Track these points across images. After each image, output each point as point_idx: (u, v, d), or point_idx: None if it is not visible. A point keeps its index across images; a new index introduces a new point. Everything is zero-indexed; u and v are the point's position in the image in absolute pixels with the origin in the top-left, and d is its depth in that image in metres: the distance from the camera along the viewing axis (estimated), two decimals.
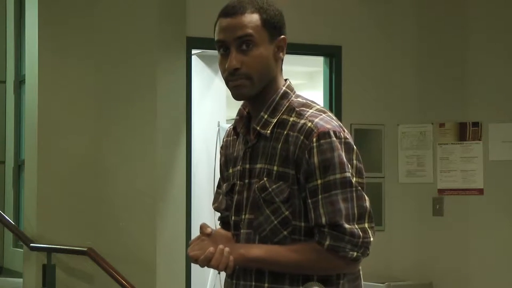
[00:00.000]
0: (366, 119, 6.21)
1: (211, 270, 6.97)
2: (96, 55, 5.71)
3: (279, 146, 2.19)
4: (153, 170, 5.56)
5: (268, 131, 2.21)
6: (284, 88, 2.26)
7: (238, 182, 2.27)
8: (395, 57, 6.25)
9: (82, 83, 5.74)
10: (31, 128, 5.91)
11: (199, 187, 6.94)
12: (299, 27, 5.85)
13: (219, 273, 6.60)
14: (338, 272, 2.18)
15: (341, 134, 2.16)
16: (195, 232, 6.03)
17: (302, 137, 2.15)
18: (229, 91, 2.23)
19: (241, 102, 2.33)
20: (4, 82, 7.64)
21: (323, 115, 2.19)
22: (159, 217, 5.54)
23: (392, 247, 6.04)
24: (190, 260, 2.19)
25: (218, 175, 2.50)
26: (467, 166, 6.03)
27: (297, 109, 2.21)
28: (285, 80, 2.29)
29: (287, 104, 2.23)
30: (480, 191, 5.99)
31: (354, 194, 2.14)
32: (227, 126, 2.41)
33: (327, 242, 2.12)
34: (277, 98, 2.24)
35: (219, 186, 2.44)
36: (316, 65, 7.48)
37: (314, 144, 2.13)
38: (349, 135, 2.20)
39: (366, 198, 2.16)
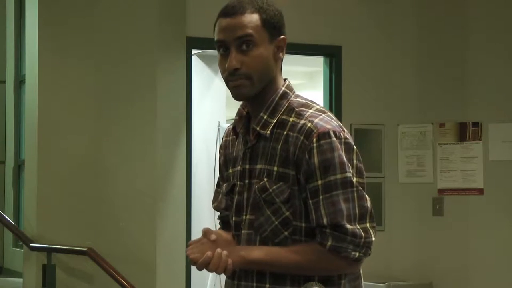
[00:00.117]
0: (366, 119, 6.21)
1: None
2: (96, 55, 5.71)
3: (279, 147, 2.19)
4: (153, 170, 5.56)
5: (268, 132, 2.21)
6: (283, 88, 2.26)
7: (238, 182, 2.27)
8: (395, 57, 6.25)
9: (82, 83, 5.74)
10: (31, 128, 5.91)
11: (199, 187, 6.94)
12: (299, 27, 5.85)
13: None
14: (340, 273, 2.18)
15: (341, 134, 2.16)
16: (195, 232, 6.03)
17: (302, 138, 2.15)
18: (229, 91, 2.23)
19: (240, 102, 2.33)
20: (4, 82, 7.64)
21: (323, 115, 2.18)
22: (159, 217, 5.54)
23: (392, 247, 6.04)
24: (189, 261, 2.19)
25: (218, 175, 2.49)
26: (467, 166, 6.03)
27: (296, 109, 2.21)
28: (284, 80, 2.29)
29: (286, 104, 2.23)
30: (480, 191, 5.99)
31: (355, 194, 2.14)
32: (227, 126, 2.41)
33: (329, 243, 2.12)
34: (277, 98, 2.23)
35: (218, 186, 2.44)
36: (316, 65, 7.48)
37: (314, 145, 2.13)
38: (349, 135, 2.20)
39: (367, 198, 2.16)
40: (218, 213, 2.47)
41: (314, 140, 2.13)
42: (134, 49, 5.66)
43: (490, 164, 5.96)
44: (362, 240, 2.12)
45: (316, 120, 2.16)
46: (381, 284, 5.77)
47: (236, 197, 2.28)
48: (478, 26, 6.09)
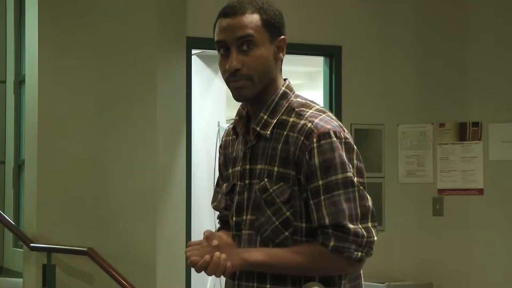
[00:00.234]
0: (366, 119, 6.21)
1: None
2: (96, 55, 5.70)
3: (279, 147, 2.18)
4: (153, 170, 5.56)
5: (268, 132, 2.21)
6: (283, 88, 2.25)
7: (239, 182, 2.27)
8: (395, 57, 6.25)
9: (82, 83, 5.74)
10: (31, 128, 5.90)
11: (199, 187, 6.94)
12: (299, 27, 5.85)
13: None
14: (342, 273, 2.18)
15: (341, 134, 2.16)
16: (195, 232, 6.04)
17: (302, 138, 2.14)
18: (229, 91, 2.23)
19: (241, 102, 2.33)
20: (4, 82, 7.63)
21: (323, 115, 2.18)
22: (159, 217, 5.53)
23: (392, 247, 6.04)
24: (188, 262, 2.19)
25: (218, 175, 2.49)
26: (467, 166, 6.03)
27: (296, 109, 2.20)
28: (284, 80, 2.29)
29: (286, 105, 2.23)
30: (480, 191, 5.99)
31: (357, 194, 2.13)
32: (227, 126, 2.41)
33: (332, 243, 2.12)
34: (277, 99, 2.23)
35: (218, 185, 2.43)
36: (316, 65, 7.48)
37: (315, 145, 2.13)
38: (349, 135, 2.20)
39: (368, 197, 2.16)
40: (218, 213, 2.47)
41: (315, 140, 2.13)
42: (134, 49, 5.66)
43: (490, 164, 5.96)
44: (365, 239, 2.12)
45: (316, 120, 2.16)
46: (381, 284, 5.77)
47: (236, 197, 2.28)
48: (478, 26, 6.08)
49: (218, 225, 2.48)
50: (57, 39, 5.75)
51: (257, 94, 2.21)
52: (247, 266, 2.17)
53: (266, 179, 2.19)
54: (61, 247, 5.54)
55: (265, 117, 2.22)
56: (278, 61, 2.25)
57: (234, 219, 2.28)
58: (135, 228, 5.57)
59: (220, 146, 2.43)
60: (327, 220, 2.12)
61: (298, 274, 2.16)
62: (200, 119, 7.13)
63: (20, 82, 7.30)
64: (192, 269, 5.84)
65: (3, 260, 7.53)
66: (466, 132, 6.05)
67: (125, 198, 5.62)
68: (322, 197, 2.12)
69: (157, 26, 5.64)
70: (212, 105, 7.45)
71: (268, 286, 2.19)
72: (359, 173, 2.16)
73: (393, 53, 6.25)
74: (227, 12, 2.19)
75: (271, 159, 2.19)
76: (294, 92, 2.27)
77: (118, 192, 5.64)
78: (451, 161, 6.08)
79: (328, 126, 2.15)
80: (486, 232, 5.95)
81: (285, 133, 2.19)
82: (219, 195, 2.40)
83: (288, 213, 2.17)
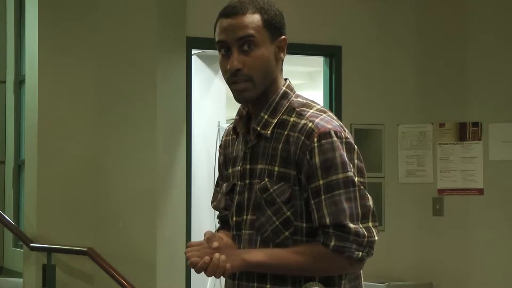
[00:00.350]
0: (366, 119, 6.21)
1: None
2: (96, 55, 5.70)
3: (280, 147, 2.18)
4: (153, 170, 5.56)
5: (269, 132, 2.21)
6: (284, 88, 2.25)
7: (239, 182, 2.27)
8: (395, 57, 6.25)
9: (82, 83, 5.74)
10: (31, 128, 5.90)
11: (199, 187, 6.94)
12: (299, 27, 5.85)
13: None
14: (343, 273, 2.18)
15: (342, 134, 2.16)
16: (195, 232, 6.04)
17: (303, 138, 2.14)
18: (229, 91, 2.23)
19: None
20: (4, 82, 7.63)
21: (324, 115, 2.18)
22: (159, 217, 5.53)
23: (392, 247, 6.04)
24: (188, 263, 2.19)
25: (217, 175, 2.49)
26: (467, 166, 6.03)
27: (297, 109, 2.20)
28: (285, 80, 2.29)
29: (287, 104, 2.23)
30: (480, 191, 5.99)
31: (357, 194, 2.13)
32: (227, 126, 2.41)
33: (332, 243, 2.11)
34: (277, 98, 2.23)
35: (217, 185, 2.43)
36: (316, 65, 7.48)
37: (315, 145, 2.13)
38: (350, 134, 2.20)
39: (369, 197, 2.16)
40: (217, 213, 2.47)
41: (315, 140, 2.13)
42: (134, 49, 5.66)
43: (490, 164, 5.96)
44: (365, 239, 2.12)
45: (317, 120, 2.16)
46: (381, 284, 5.77)
47: (236, 197, 2.27)
48: (478, 26, 6.08)
49: (217, 225, 2.48)
50: (57, 39, 5.75)
51: (258, 95, 2.21)
52: (248, 267, 2.17)
53: (266, 179, 2.19)
54: (61, 247, 5.54)
55: (266, 117, 2.22)
56: (279, 61, 2.25)
57: (234, 219, 2.28)
58: (135, 228, 5.57)
59: (220, 146, 2.43)
60: (327, 220, 2.11)
61: (298, 274, 2.16)
62: (200, 119, 7.13)
63: (20, 82, 7.30)
64: (192, 269, 5.84)
65: (3, 260, 7.53)
66: (466, 132, 6.05)
67: (125, 198, 5.62)
68: (323, 197, 2.12)
69: (157, 26, 5.64)
70: (212, 105, 7.45)
71: (268, 286, 2.19)
72: (359, 173, 2.16)
73: (393, 53, 6.25)
74: (228, 12, 2.19)
75: (271, 159, 2.19)
76: (294, 92, 2.27)
77: (118, 192, 5.64)
78: (451, 161, 6.08)
79: (329, 126, 2.15)
80: (486, 232, 5.95)
81: (285, 132, 2.19)
82: (219, 195, 2.40)
83: (288, 213, 2.17)
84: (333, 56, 6.18)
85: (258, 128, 2.22)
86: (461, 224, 6.04)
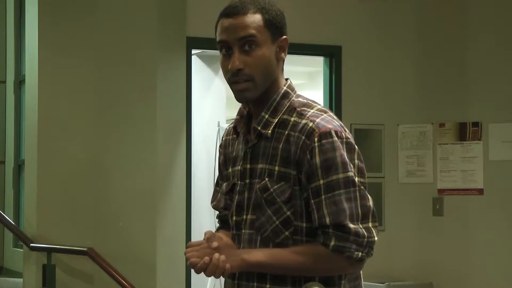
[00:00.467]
0: (366, 119, 6.21)
1: None
2: (96, 55, 5.71)
3: (280, 146, 2.18)
4: (153, 170, 5.56)
5: (269, 131, 2.21)
6: (285, 88, 2.26)
7: (239, 182, 2.27)
8: (395, 57, 6.24)
9: (82, 83, 5.74)
10: (31, 128, 5.90)
11: (199, 187, 6.94)
12: (299, 27, 5.85)
13: None
14: (343, 273, 2.18)
15: (343, 134, 2.16)
16: (195, 232, 6.03)
17: (303, 137, 2.14)
18: (229, 91, 2.23)
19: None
20: (4, 82, 7.63)
21: (324, 115, 2.18)
22: (159, 217, 5.53)
23: (392, 247, 6.04)
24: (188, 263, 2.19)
25: (217, 175, 2.49)
26: (467, 166, 6.03)
27: (298, 109, 2.20)
28: (286, 79, 2.29)
29: (288, 104, 2.23)
30: (480, 191, 5.99)
31: (358, 194, 2.13)
32: (227, 125, 2.41)
33: (332, 243, 2.11)
34: (278, 98, 2.23)
35: (217, 184, 2.43)
36: (316, 65, 7.48)
37: (316, 144, 2.13)
38: (350, 134, 2.20)
39: (369, 197, 2.16)
40: (217, 212, 2.47)
41: (316, 139, 2.13)
42: (134, 49, 5.66)
43: (490, 164, 5.96)
44: (365, 239, 2.12)
45: (317, 120, 2.16)
46: (381, 284, 5.77)
47: (236, 197, 2.27)
48: (478, 26, 6.08)
49: (217, 225, 2.48)
50: (57, 39, 5.75)
51: (259, 95, 2.21)
52: (247, 267, 2.17)
53: (267, 179, 2.19)
54: (61, 247, 5.54)
55: (267, 116, 2.22)
56: (280, 61, 2.25)
57: (234, 218, 2.28)
58: (135, 228, 5.57)
59: (220, 146, 2.43)
60: (327, 220, 2.11)
61: (298, 274, 2.16)
62: (200, 119, 7.13)
63: (20, 82, 7.30)
64: (192, 270, 5.84)
65: (3, 260, 7.53)
66: (466, 132, 6.05)
67: (125, 198, 5.62)
68: (323, 197, 2.12)
69: (157, 26, 5.64)
70: (212, 105, 7.44)
71: (268, 286, 2.19)
72: (360, 173, 2.17)
73: (393, 53, 6.25)
74: (229, 12, 2.19)
75: (272, 159, 2.19)
76: (295, 92, 2.27)
77: (118, 192, 5.64)
78: (451, 161, 6.08)
79: (330, 126, 2.15)
80: (486, 232, 5.95)
81: (286, 132, 2.19)
82: (219, 195, 2.40)
83: (288, 213, 2.17)
84: (333, 56, 6.18)
85: (259, 128, 2.22)
86: (461, 224, 6.04)
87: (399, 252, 6.11)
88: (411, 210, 6.18)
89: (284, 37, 2.24)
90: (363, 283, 2.27)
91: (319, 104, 2.24)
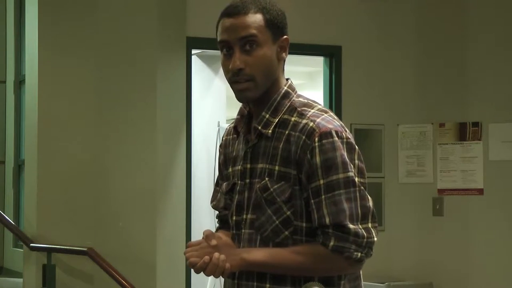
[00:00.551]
0: (366, 119, 6.21)
1: None
2: (96, 55, 5.71)
3: (281, 146, 2.18)
4: (153, 170, 5.56)
5: (270, 131, 2.21)
6: (285, 88, 2.26)
7: (239, 182, 2.27)
8: (395, 57, 6.25)
9: (82, 83, 5.74)
10: (31, 128, 5.91)
11: (199, 187, 6.94)
12: (299, 27, 5.85)
13: None
14: (342, 273, 2.18)
15: (343, 134, 2.16)
16: (195, 232, 6.02)
17: (303, 137, 2.14)
18: (229, 91, 2.23)
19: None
20: (4, 82, 7.63)
21: (325, 115, 2.18)
22: (159, 217, 5.53)
23: (392, 247, 6.04)
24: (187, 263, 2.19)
25: (217, 175, 2.49)
26: (467, 166, 6.03)
27: (298, 109, 2.21)
28: (287, 79, 2.29)
29: (288, 104, 2.23)
30: (480, 191, 5.99)
31: (358, 194, 2.13)
32: (227, 125, 2.41)
33: (332, 243, 2.11)
34: (279, 98, 2.24)
35: (217, 184, 2.43)
36: (316, 65, 7.48)
37: (316, 144, 2.13)
38: (351, 135, 2.20)
39: (369, 198, 2.16)
40: (217, 212, 2.47)
41: (316, 139, 2.13)
42: (134, 49, 5.66)
43: (490, 164, 5.96)
44: (365, 240, 2.12)
45: (318, 120, 2.16)
46: (381, 284, 5.77)
47: (236, 197, 2.27)
48: (478, 26, 6.08)
49: (217, 225, 2.48)
50: (57, 39, 5.75)
51: (260, 95, 2.21)
52: (247, 266, 2.17)
53: (267, 178, 2.19)
54: (61, 247, 5.54)
55: (267, 116, 2.22)
56: (281, 61, 2.25)
57: (234, 218, 2.28)
58: (135, 228, 5.57)
59: (220, 145, 2.43)
60: (327, 220, 2.11)
61: (298, 274, 2.16)
62: (200, 119, 7.13)
63: (20, 82, 7.30)
64: (192, 269, 5.85)
65: (3, 260, 7.53)
66: (466, 132, 6.05)
67: (125, 198, 5.62)
68: (323, 197, 2.12)
69: (157, 26, 5.64)
70: (212, 105, 7.44)
71: (267, 285, 2.19)
72: (360, 173, 2.16)
73: (393, 53, 6.25)
74: (230, 12, 2.19)
75: (272, 158, 2.19)
76: (296, 91, 2.27)
77: (118, 192, 5.64)
78: (451, 161, 6.08)
79: (330, 126, 2.15)
80: (486, 232, 5.95)
81: (286, 132, 2.19)
82: (219, 194, 2.40)
83: (288, 213, 2.17)
84: (333, 56, 6.18)
85: (259, 128, 2.22)
86: (461, 224, 6.04)
87: (399, 252, 6.11)
88: (411, 210, 6.18)
89: (285, 37, 2.24)
90: (363, 283, 2.27)
91: (320, 104, 2.24)
